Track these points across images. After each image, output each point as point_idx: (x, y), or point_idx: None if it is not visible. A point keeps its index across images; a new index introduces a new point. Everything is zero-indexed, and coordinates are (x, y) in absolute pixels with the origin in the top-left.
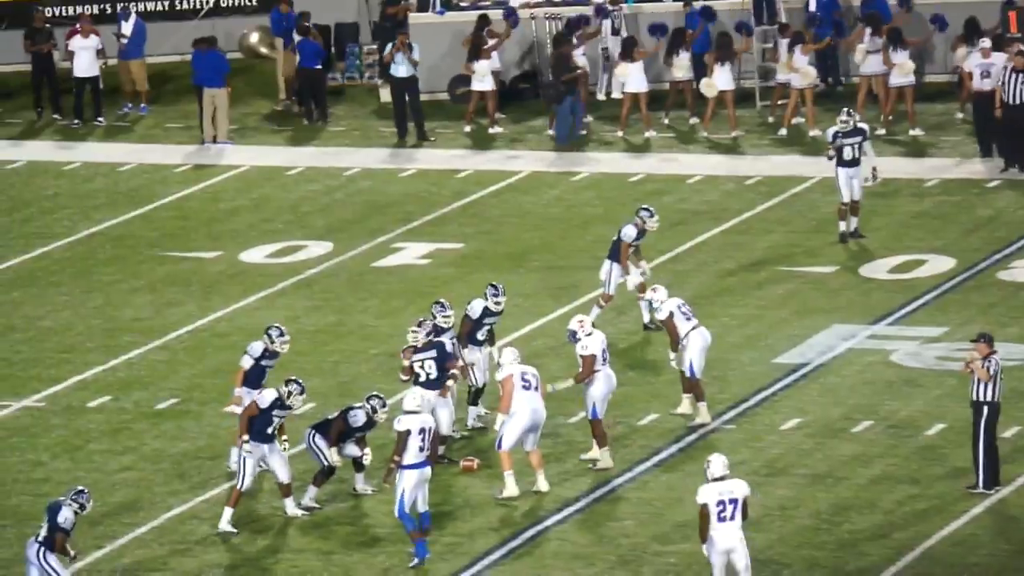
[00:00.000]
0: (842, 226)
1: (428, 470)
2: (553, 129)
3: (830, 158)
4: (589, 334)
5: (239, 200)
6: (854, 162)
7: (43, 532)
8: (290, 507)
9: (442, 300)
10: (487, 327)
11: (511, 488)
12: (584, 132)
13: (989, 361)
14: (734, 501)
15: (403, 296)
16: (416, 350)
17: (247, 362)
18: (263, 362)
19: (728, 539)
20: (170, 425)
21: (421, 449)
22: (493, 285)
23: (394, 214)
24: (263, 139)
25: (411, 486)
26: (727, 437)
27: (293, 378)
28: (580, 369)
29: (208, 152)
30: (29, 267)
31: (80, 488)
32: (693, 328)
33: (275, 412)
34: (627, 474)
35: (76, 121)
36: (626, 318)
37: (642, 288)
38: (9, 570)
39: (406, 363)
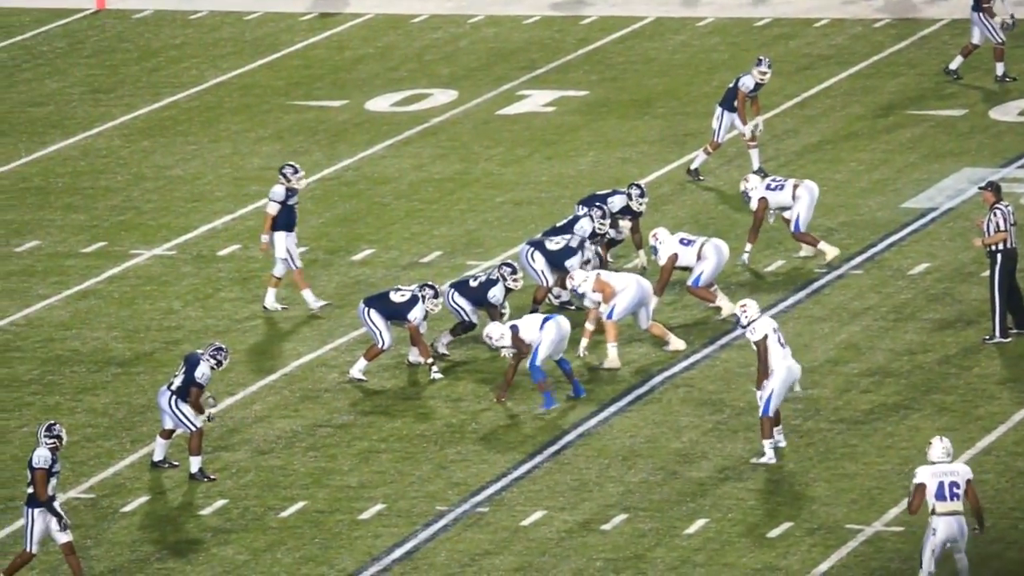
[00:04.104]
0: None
1: (567, 325)
2: None
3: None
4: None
5: (364, 48)
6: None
7: (177, 382)
8: (412, 355)
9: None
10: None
11: (613, 359)
12: None
13: (995, 210)
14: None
15: (528, 144)
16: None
17: (273, 208)
18: (289, 202)
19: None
20: None
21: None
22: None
23: (518, 61)
24: None
25: (550, 339)
26: (855, 282)
27: (429, 283)
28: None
29: (333, 0)
30: (158, 116)
31: (219, 345)
32: (796, 186)
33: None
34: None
35: None
36: (734, 167)
37: (753, 138)
38: (143, 415)
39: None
